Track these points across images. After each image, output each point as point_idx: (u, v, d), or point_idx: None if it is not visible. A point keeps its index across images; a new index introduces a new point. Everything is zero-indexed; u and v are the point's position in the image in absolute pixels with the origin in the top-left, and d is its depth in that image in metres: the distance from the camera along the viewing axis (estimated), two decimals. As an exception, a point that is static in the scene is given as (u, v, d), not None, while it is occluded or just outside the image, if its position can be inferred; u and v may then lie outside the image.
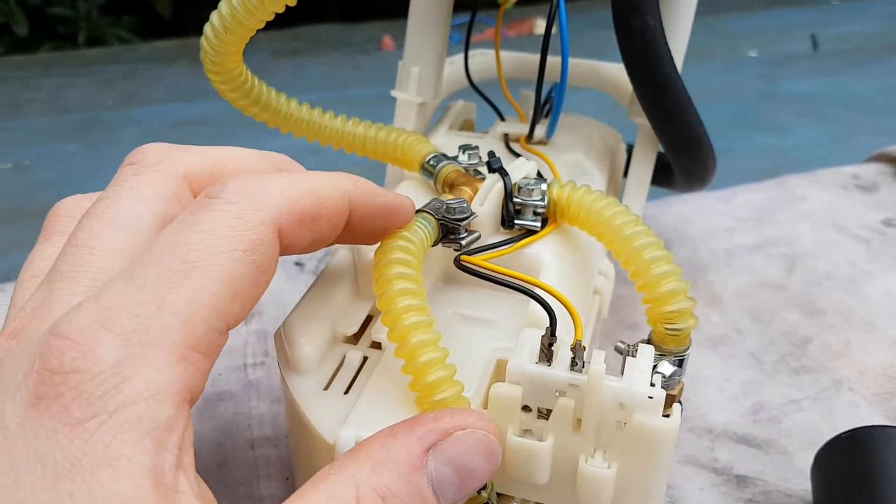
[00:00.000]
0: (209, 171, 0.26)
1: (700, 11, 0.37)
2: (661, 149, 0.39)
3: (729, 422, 0.34)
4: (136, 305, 0.19)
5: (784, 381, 0.36)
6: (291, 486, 0.32)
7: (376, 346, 0.29)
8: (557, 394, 0.25)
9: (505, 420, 0.26)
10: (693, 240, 0.47)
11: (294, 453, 0.29)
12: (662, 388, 0.26)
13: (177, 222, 0.21)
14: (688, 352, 0.29)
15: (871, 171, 0.54)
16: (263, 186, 0.22)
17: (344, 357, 0.28)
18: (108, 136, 0.81)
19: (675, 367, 0.28)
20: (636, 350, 0.27)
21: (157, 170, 0.25)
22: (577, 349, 0.25)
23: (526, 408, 0.26)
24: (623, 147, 0.44)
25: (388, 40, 1.10)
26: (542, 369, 0.25)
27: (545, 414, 0.26)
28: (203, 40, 0.30)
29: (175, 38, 1.17)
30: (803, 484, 0.31)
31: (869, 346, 0.38)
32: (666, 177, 0.42)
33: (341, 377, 0.28)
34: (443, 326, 0.26)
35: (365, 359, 0.29)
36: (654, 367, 0.28)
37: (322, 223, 0.24)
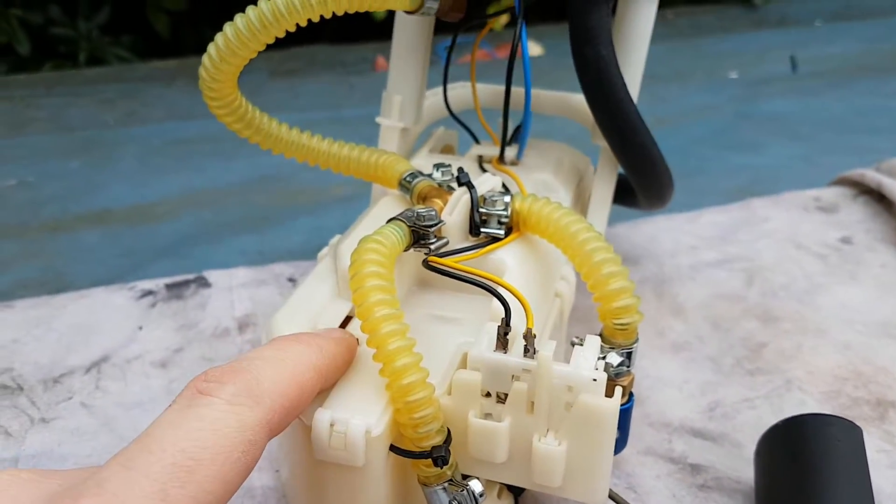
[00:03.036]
0: None
1: (683, 34, 0.41)
2: (622, 171, 0.42)
3: (686, 417, 0.37)
4: (141, 496, 0.20)
5: (739, 381, 0.39)
6: (280, 478, 0.35)
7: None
8: (513, 378, 0.28)
9: (467, 405, 0.29)
10: (660, 256, 0.50)
11: (280, 444, 0.32)
12: (612, 377, 0.29)
13: (174, 412, 0.23)
14: (635, 345, 0.31)
15: (832, 193, 0.57)
16: (259, 385, 0.24)
17: (324, 352, 0.31)
18: (110, 153, 0.85)
19: (623, 359, 0.31)
20: (584, 341, 0.30)
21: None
22: (528, 337, 0.28)
23: (487, 395, 0.29)
24: (591, 170, 0.47)
25: (381, 61, 1.15)
26: (499, 356, 0.28)
27: (503, 399, 0.29)
28: (201, 69, 0.34)
29: (174, 58, 1.22)
30: (752, 472, 0.33)
31: (820, 350, 0.40)
32: (629, 197, 0.45)
33: (321, 370, 0.30)
34: (415, 325, 0.28)
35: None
36: (604, 357, 0.31)
37: (302, 408, 0.26)
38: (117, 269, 0.62)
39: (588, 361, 0.28)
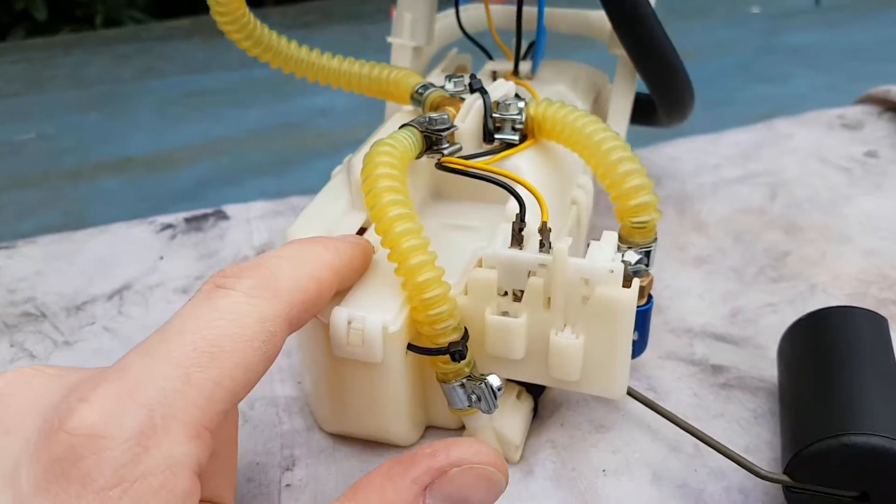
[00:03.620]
0: None
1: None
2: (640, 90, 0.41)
3: (707, 324, 0.37)
4: (162, 378, 0.20)
5: (762, 288, 0.38)
6: (302, 389, 0.35)
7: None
8: (529, 275, 0.28)
9: (483, 303, 0.29)
10: (681, 175, 0.49)
11: (300, 345, 0.32)
12: (630, 276, 0.29)
13: (192, 306, 0.22)
14: (654, 245, 0.31)
15: (857, 111, 0.55)
16: (276, 280, 0.24)
17: (340, 260, 0.31)
18: (126, 106, 0.86)
19: (641, 256, 0.30)
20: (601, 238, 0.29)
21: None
22: (543, 231, 0.28)
23: (504, 295, 0.29)
24: (609, 87, 0.46)
25: (395, 11, 1.14)
26: (514, 252, 0.28)
27: (519, 297, 0.29)
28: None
29: (188, 17, 1.22)
30: (775, 371, 0.33)
31: (844, 256, 0.40)
32: (648, 115, 0.44)
33: (337, 275, 0.30)
34: (430, 233, 0.28)
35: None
36: (622, 256, 0.30)
37: (321, 305, 0.26)
38: (138, 211, 0.63)
39: (604, 254, 0.28)
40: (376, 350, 0.28)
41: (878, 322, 0.29)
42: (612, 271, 0.27)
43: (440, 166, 0.31)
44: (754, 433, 0.30)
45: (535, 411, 0.33)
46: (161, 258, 0.46)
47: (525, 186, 0.29)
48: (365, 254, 0.29)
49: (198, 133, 0.78)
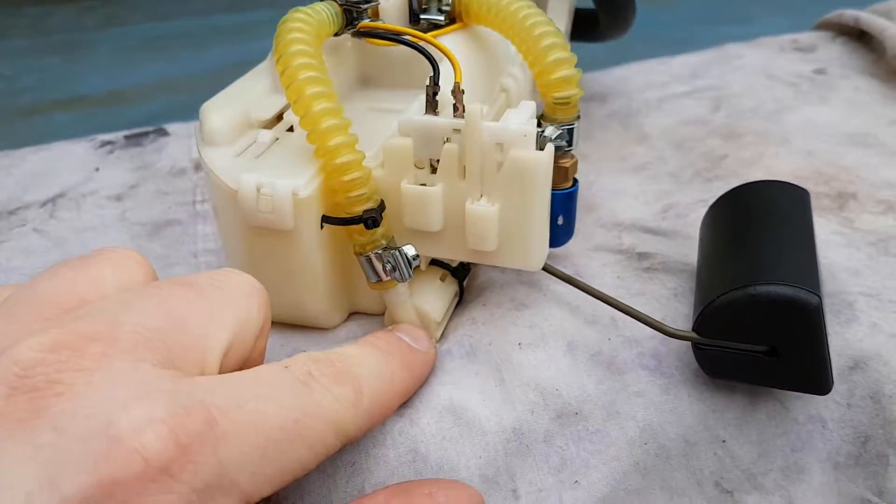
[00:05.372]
0: None
1: None
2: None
3: (639, 219, 0.36)
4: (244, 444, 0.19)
5: (697, 188, 0.38)
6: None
7: (291, 131, 0.31)
8: (445, 141, 0.27)
9: (400, 173, 0.28)
10: (629, 92, 0.49)
11: (216, 219, 0.31)
12: (549, 141, 0.28)
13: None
14: (576, 123, 0.31)
15: (811, 36, 0.55)
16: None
17: (257, 137, 0.31)
18: (86, 51, 0.84)
19: (561, 132, 0.30)
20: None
21: None
22: (456, 92, 0.27)
23: (423, 169, 0.28)
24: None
25: None
26: (428, 118, 0.27)
27: (436, 169, 0.28)
28: None
29: None
30: (699, 254, 0.33)
31: (781, 157, 0.39)
32: (590, 29, 0.44)
33: (252, 150, 0.30)
34: (354, 117, 0.28)
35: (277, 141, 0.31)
36: (542, 131, 0.30)
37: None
38: (86, 139, 0.62)
39: (518, 118, 0.27)
40: (287, 216, 0.27)
41: (800, 193, 0.29)
42: (526, 135, 0.27)
43: (357, 34, 0.30)
44: (672, 307, 0.30)
45: (461, 297, 0.33)
46: (97, 169, 0.45)
47: (440, 49, 0.29)
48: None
49: (155, 73, 0.77)
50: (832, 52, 0.52)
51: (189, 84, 0.79)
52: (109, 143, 0.49)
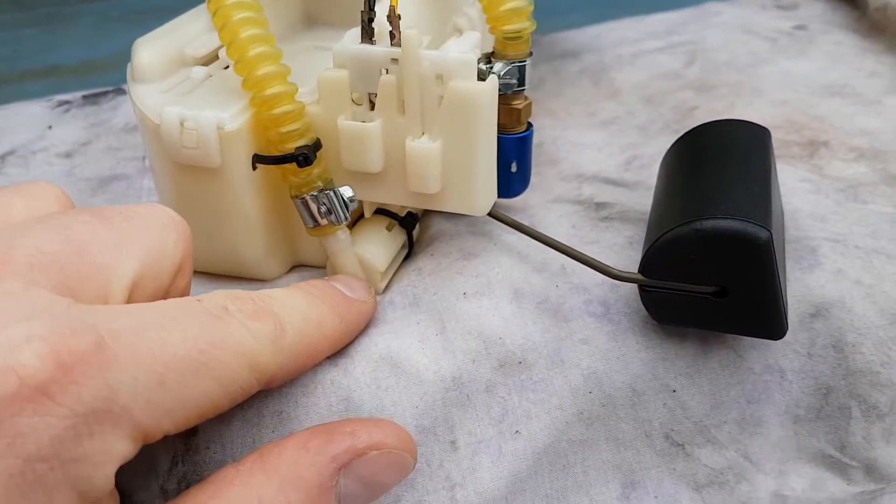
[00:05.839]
0: None
1: None
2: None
3: (601, 171, 0.35)
4: (142, 371, 0.18)
5: (663, 140, 0.37)
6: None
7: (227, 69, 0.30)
8: (383, 73, 0.26)
9: (336, 109, 0.27)
10: (602, 49, 0.47)
11: (147, 157, 0.30)
12: (502, 91, 0.27)
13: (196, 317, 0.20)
14: (528, 60, 0.29)
15: (795, -5, 0.53)
16: (284, 336, 0.22)
17: (189, 74, 0.29)
18: (64, 24, 0.83)
19: (510, 68, 0.28)
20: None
21: None
22: (392, 17, 0.25)
23: (361, 106, 0.27)
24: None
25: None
26: (363, 46, 0.26)
27: (375, 105, 0.27)
28: None
29: None
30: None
31: (753, 106, 0.38)
32: None
33: (183, 86, 0.28)
34: (294, 56, 0.26)
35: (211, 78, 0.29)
36: (490, 67, 0.28)
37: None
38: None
39: (459, 47, 0.26)
40: (212, 152, 0.26)
41: (759, 131, 0.27)
42: (466, 63, 0.25)
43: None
44: (625, 255, 0.28)
45: (411, 249, 0.31)
46: (49, 127, 0.44)
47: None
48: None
49: (130, 44, 0.75)
50: (814, 9, 0.50)
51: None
52: (66, 102, 0.47)
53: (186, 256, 0.22)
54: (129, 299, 0.20)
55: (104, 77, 0.73)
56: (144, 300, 0.21)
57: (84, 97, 0.47)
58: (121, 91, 0.48)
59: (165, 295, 0.22)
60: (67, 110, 0.46)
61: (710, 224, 0.22)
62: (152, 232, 0.21)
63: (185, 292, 0.23)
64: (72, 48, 0.83)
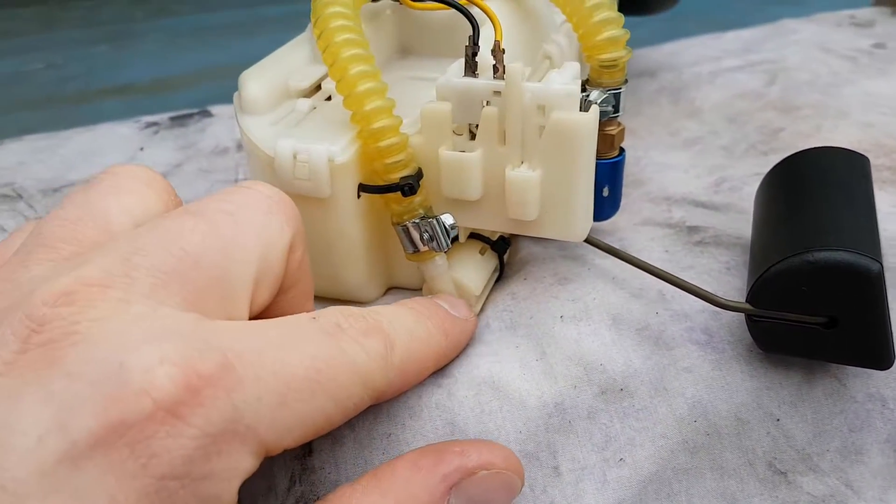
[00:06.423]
0: None
1: None
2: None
3: (689, 192, 0.35)
4: (265, 389, 0.19)
5: (751, 161, 0.37)
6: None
7: (329, 100, 0.31)
8: (484, 104, 0.27)
9: (438, 140, 0.27)
10: (679, 67, 0.47)
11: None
12: (593, 104, 0.27)
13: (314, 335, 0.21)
14: (623, 87, 0.29)
15: (869, 11, 0.53)
16: (394, 353, 0.23)
17: (295, 106, 0.30)
18: (135, 41, 0.86)
19: (607, 96, 0.29)
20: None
21: None
22: (496, 52, 0.26)
23: (462, 136, 0.27)
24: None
25: None
26: (467, 80, 0.27)
27: (475, 135, 0.27)
28: None
29: None
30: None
31: (840, 129, 0.38)
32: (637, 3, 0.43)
33: (290, 118, 0.29)
34: (394, 85, 0.27)
35: (315, 109, 0.30)
36: (586, 95, 0.29)
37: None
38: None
39: (561, 78, 0.26)
40: (323, 183, 0.27)
41: (859, 160, 0.27)
42: (569, 95, 0.26)
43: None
44: (724, 282, 0.28)
45: (502, 272, 0.32)
46: (141, 149, 0.46)
47: (481, 8, 0.28)
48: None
49: (201, 61, 0.78)
50: (891, 26, 0.50)
51: (234, 72, 0.78)
52: (154, 123, 0.49)
53: (297, 232, 0.23)
54: (255, 298, 0.21)
55: (179, 96, 0.76)
56: (269, 292, 0.22)
57: (171, 119, 0.49)
58: (206, 113, 0.50)
59: (288, 274, 0.22)
60: (157, 132, 0.48)
61: (821, 256, 0.22)
62: (257, 226, 0.21)
63: (304, 264, 0.24)
64: (143, 65, 0.86)
